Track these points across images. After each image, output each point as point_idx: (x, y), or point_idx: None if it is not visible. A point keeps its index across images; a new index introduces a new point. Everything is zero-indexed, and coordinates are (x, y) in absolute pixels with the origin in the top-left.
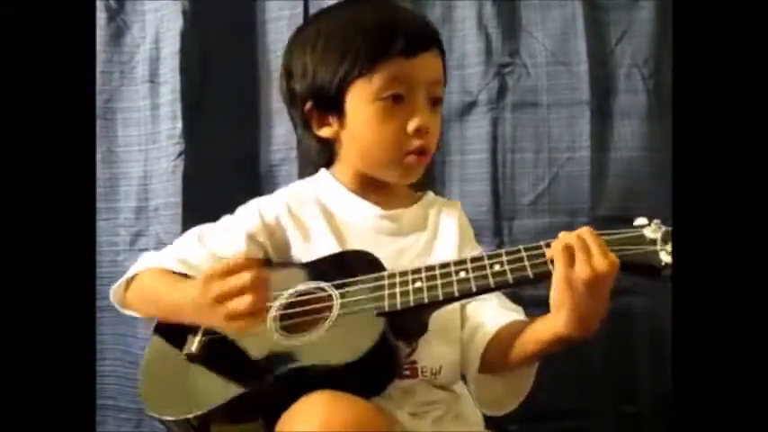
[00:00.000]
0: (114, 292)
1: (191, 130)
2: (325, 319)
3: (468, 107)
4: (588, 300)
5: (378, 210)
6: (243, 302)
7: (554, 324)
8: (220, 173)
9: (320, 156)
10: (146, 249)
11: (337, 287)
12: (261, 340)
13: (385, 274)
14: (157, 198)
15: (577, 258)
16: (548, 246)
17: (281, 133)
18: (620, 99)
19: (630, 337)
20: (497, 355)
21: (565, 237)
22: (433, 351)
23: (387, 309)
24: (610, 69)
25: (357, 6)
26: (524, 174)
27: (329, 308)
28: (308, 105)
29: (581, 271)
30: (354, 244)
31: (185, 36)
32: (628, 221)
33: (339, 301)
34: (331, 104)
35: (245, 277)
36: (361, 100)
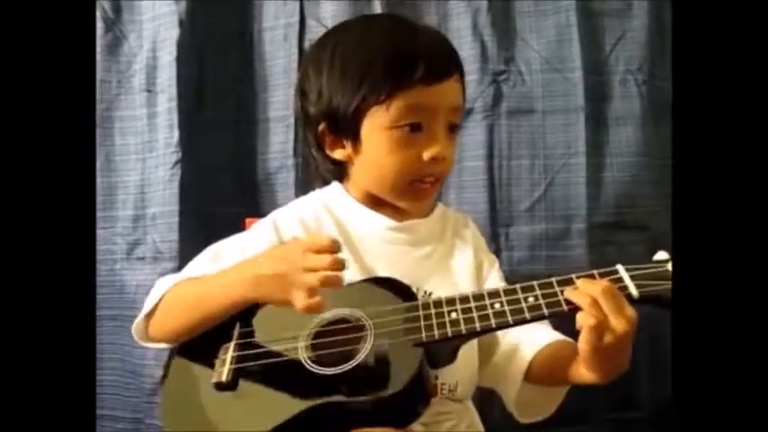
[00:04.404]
0: (137, 326)
1: (188, 138)
2: (358, 350)
3: (464, 115)
4: (616, 355)
5: (391, 221)
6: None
7: (588, 376)
8: (217, 181)
9: (332, 174)
10: (143, 258)
11: (369, 316)
12: (294, 371)
13: (419, 303)
14: (154, 206)
15: (602, 327)
16: (578, 278)
17: (277, 141)
18: (615, 105)
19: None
20: (541, 374)
21: (586, 311)
22: (451, 367)
23: (424, 339)
24: (604, 76)
25: (374, 25)
26: (520, 180)
27: (361, 337)
28: (322, 127)
29: (608, 340)
30: (369, 257)
31: (182, 45)
32: (623, 227)
33: (373, 331)
34: (346, 129)
35: (339, 257)
36: (377, 127)
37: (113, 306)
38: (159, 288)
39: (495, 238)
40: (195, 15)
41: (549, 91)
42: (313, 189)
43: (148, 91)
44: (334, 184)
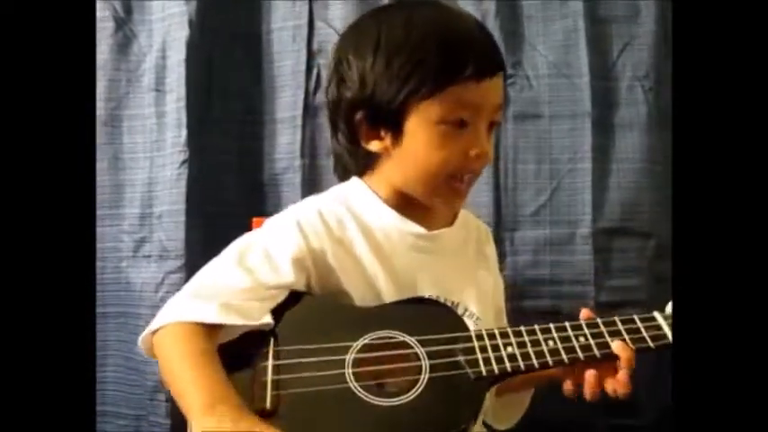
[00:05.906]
0: (144, 339)
1: (195, 138)
2: (409, 378)
3: None
4: None
5: (419, 229)
6: None
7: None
8: (224, 181)
9: (357, 166)
10: (149, 256)
11: (422, 344)
12: (342, 398)
13: (472, 334)
14: (161, 205)
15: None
16: (623, 322)
17: (284, 142)
18: (622, 111)
19: None
20: (509, 385)
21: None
22: None
23: (484, 374)
24: (611, 82)
25: (422, 13)
26: (526, 185)
27: (412, 366)
28: (360, 116)
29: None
30: (399, 266)
31: (191, 45)
32: (628, 233)
33: (428, 362)
34: (387, 120)
35: None
36: (424, 121)
37: (119, 303)
38: (171, 312)
39: (500, 243)
40: (205, 16)
41: (555, 96)
42: (319, 190)
43: (157, 90)
44: (355, 181)
